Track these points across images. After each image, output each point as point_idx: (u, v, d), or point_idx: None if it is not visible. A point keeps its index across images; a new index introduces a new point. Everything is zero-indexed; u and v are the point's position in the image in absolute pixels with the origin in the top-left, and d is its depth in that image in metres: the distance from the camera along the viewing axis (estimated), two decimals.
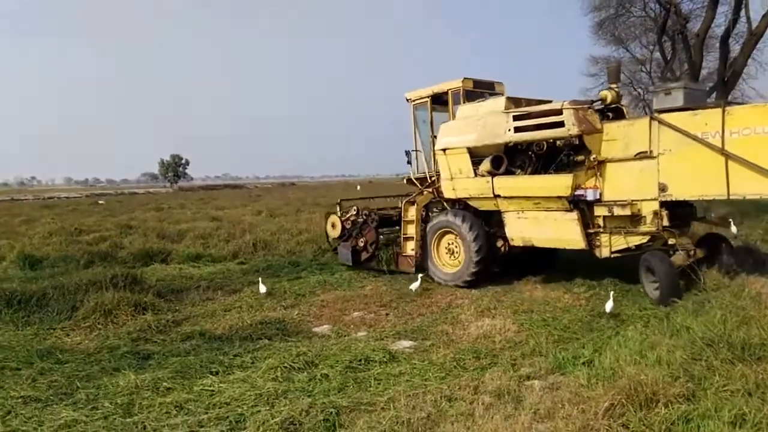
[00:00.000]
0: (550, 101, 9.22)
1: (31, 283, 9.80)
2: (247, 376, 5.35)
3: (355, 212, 11.78)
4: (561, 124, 8.34)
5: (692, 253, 8.02)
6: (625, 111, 9.08)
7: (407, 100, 11.47)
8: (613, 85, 8.90)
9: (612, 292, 7.20)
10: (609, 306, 7.01)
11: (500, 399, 4.54)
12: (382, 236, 11.44)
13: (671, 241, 8.06)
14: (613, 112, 8.84)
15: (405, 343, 6.41)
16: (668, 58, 25.77)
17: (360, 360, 5.64)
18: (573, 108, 8.30)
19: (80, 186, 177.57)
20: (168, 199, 47.84)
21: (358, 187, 49.56)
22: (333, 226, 11.97)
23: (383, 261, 11.16)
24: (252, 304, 8.69)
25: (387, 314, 7.90)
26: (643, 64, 30.83)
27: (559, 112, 8.40)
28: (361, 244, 11.31)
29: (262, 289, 9.23)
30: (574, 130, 8.23)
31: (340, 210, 12.08)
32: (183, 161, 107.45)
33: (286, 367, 5.46)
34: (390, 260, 11.10)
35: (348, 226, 11.67)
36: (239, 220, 19.60)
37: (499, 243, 9.74)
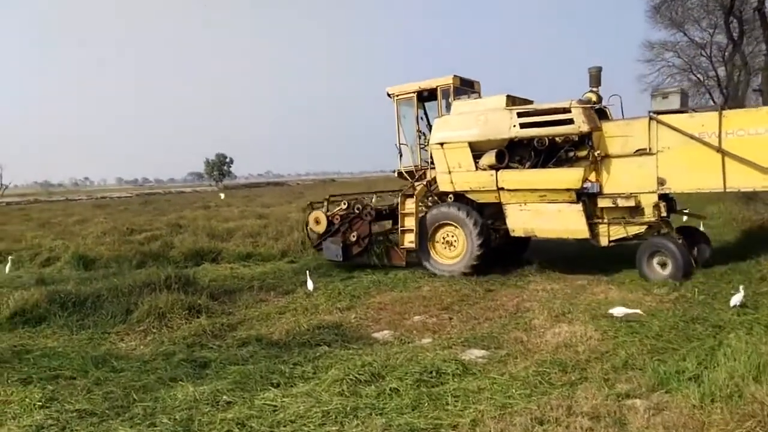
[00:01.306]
0: (532, 101, 10.36)
1: (86, 285, 9.70)
2: (311, 390, 4.96)
3: (345, 207, 11.60)
4: (570, 122, 9.06)
5: (680, 241, 8.93)
6: (608, 112, 9.77)
7: (389, 95, 11.83)
8: (595, 89, 9.70)
9: (742, 286, 6.83)
10: (737, 299, 6.62)
11: (599, 422, 4.01)
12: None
13: (664, 230, 9.04)
14: (597, 112, 9.40)
15: (477, 353, 5.92)
16: (736, 39, 24.39)
17: (431, 372, 5.17)
18: (581, 107, 9.04)
19: (130, 185, 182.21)
20: (214, 197, 48.32)
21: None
22: (317, 221, 11.68)
23: (375, 255, 11.30)
24: (306, 306, 8.34)
25: (450, 318, 7.41)
26: (702, 48, 29.41)
27: (567, 110, 9.10)
28: (353, 239, 11.26)
29: (310, 285, 9.00)
30: (585, 128, 8.94)
31: (327, 205, 11.94)
32: (227, 160, 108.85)
33: (351, 380, 5.04)
34: (382, 255, 11.31)
35: (336, 221, 11.46)
36: (285, 218, 19.35)
37: (493, 235, 10.52)
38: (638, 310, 6.56)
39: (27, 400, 4.88)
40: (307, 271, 9.42)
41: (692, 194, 10.00)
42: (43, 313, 7.91)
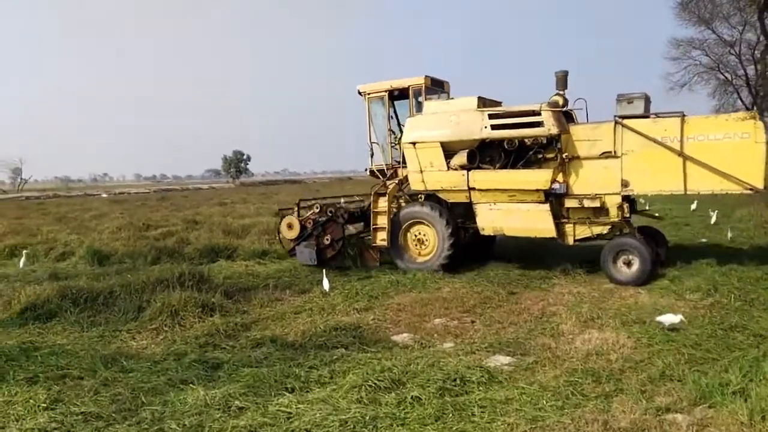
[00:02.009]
0: (501, 103, 10.62)
1: (99, 280, 9.54)
2: (328, 396, 4.70)
3: (317, 210, 11.49)
4: (540, 124, 9.28)
5: (643, 240, 9.21)
6: (574, 116, 9.98)
7: (360, 93, 11.87)
8: (562, 92, 9.76)
9: None
10: None
11: None
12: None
13: (627, 230, 9.39)
14: (563, 115, 9.55)
15: (502, 359, 5.62)
16: None
17: (454, 379, 4.88)
18: (551, 110, 9.26)
19: (148, 182, 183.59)
20: (230, 194, 48.35)
21: None
22: (290, 226, 11.54)
23: (349, 258, 11.42)
24: (323, 306, 8.07)
25: (473, 322, 7.10)
26: (731, 46, 28.70)
27: (537, 113, 9.33)
28: (326, 242, 11.21)
29: (326, 285, 8.78)
30: (554, 130, 9.19)
31: (297, 210, 11.80)
32: (245, 157, 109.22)
33: (370, 386, 4.77)
34: (356, 256, 11.49)
35: (309, 225, 11.37)
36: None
37: (463, 233, 10.76)
38: (681, 317, 6.19)
39: (32, 401, 4.67)
40: (324, 270, 9.16)
41: (720, 196, 10.01)
42: (55, 308, 7.73)
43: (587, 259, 10.07)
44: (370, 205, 11.38)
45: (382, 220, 11.00)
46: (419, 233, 10.78)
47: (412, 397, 4.58)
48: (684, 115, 8.73)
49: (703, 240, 13.01)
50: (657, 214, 12.10)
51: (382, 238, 10.98)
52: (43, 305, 7.78)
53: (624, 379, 4.91)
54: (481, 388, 4.79)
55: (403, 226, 10.85)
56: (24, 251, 12.89)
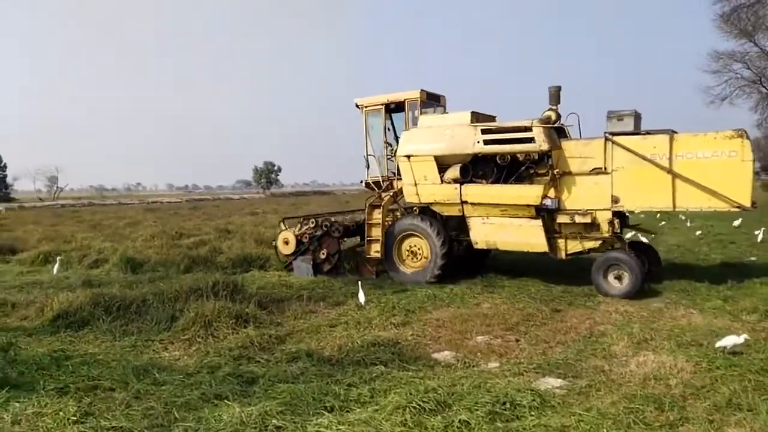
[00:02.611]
0: (495, 117, 10.72)
1: (132, 288, 9.45)
2: (370, 417, 4.42)
3: (313, 225, 11.75)
4: (531, 140, 9.41)
5: (633, 255, 9.20)
6: (566, 131, 9.95)
7: (357, 106, 11.97)
8: (554, 107, 9.80)
9: None
10: None
11: None
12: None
13: (617, 245, 9.48)
14: (556, 131, 9.65)
15: (553, 382, 5.28)
16: None
17: (504, 403, 4.57)
18: (542, 126, 9.38)
19: (181, 191, 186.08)
20: (261, 204, 48.57)
21: None
22: (286, 242, 11.85)
23: (346, 271, 11.56)
24: (359, 319, 7.80)
25: (517, 340, 6.75)
26: None
27: (529, 129, 9.44)
28: (323, 256, 11.48)
29: (362, 298, 8.53)
30: (545, 146, 9.30)
31: (284, 225, 12.22)
32: (275, 168, 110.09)
33: (415, 408, 4.48)
34: (353, 269, 11.63)
35: (305, 240, 11.66)
36: None
37: (456, 246, 10.88)
38: (746, 336, 5.78)
39: (61, 413, 4.49)
40: (359, 282, 8.91)
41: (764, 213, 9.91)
42: (87, 316, 7.64)
43: None
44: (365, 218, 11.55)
45: (377, 232, 11.19)
46: (413, 245, 10.90)
47: (459, 421, 4.29)
48: (673, 133, 8.85)
49: (752, 258, 12.46)
50: (650, 231, 12.38)
51: (376, 250, 11.17)
52: (75, 313, 7.69)
53: (688, 406, 4.54)
54: (533, 413, 4.47)
55: (397, 238, 10.98)
56: (58, 258, 12.92)
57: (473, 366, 5.87)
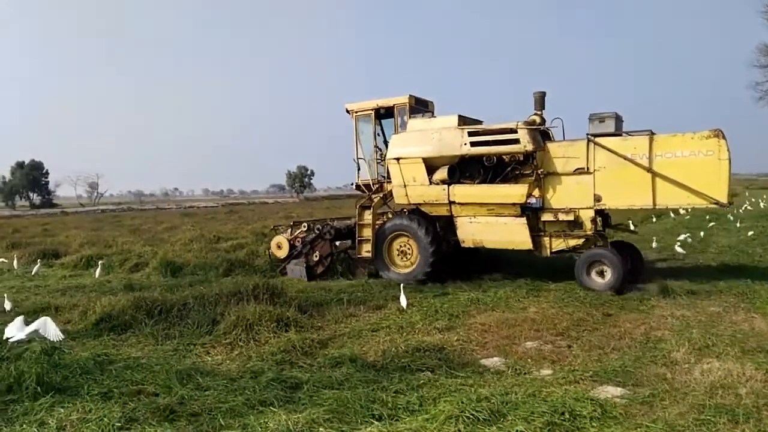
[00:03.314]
0: (482, 121, 11.05)
1: (172, 292, 9.44)
2: (421, 427, 4.22)
3: (305, 229, 12.05)
4: (516, 141, 9.81)
5: (614, 252, 9.51)
6: (550, 134, 10.37)
7: (348, 111, 12.29)
8: (539, 111, 10.22)
9: None
10: None
11: None
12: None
13: (600, 243, 9.83)
14: (540, 134, 9.99)
15: (612, 390, 4.99)
16: None
17: (562, 413, 4.31)
18: (527, 128, 9.78)
19: (216, 196, 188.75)
20: (296, 208, 48.78)
21: None
22: (279, 246, 12.13)
23: (339, 273, 11.76)
24: (401, 324, 7.61)
25: (569, 346, 6.46)
26: None
27: (514, 131, 9.85)
28: (316, 259, 11.74)
29: (403, 301, 8.33)
30: (529, 147, 9.70)
31: (276, 229, 12.55)
32: (308, 172, 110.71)
33: (468, 418, 4.26)
34: (345, 272, 11.83)
35: (297, 244, 11.91)
36: None
37: (444, 245, 11.09)
38: None
39: (105, 419, 4.38)
40: (401, 286, 8.71)
41: None
42: (129, 320, 7.62)
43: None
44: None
45: (367, 233, 11.43)
46: (403, 245, 11.20)
47: None
48: (652, 133, 9.15)
49: None
50: (633, 228, 12.58)
51: (366, 250, 11.41)
52: (118, 316, 7.68)
53: (764, 418, 4.22)
54: (594, 424, 4.20)
55: (388, 239, 11.28)
56: (99, 262, 13.04)
57: (525, 373, 5.61)
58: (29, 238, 21.14)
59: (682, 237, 15.23)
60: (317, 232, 11.86)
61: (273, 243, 12.32)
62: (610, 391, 4.96)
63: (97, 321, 7.63)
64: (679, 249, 13.35)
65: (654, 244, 14.30)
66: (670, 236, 17.16)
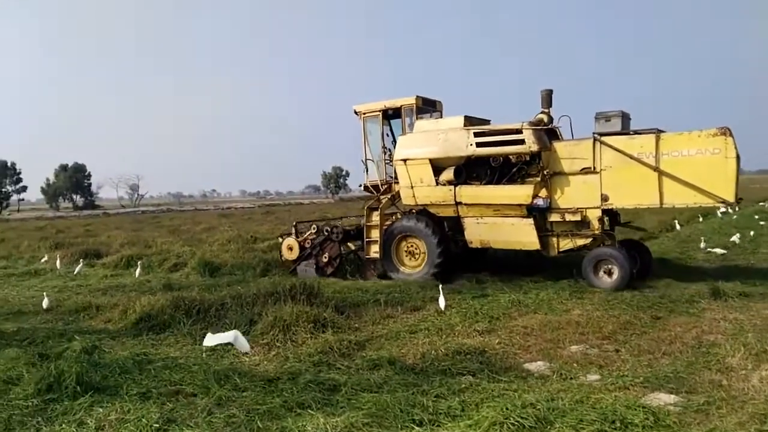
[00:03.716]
0: (489, 121, 11.10)
1: (210, 292, 9.47)
2: None
3: (314, 231, 12.20)
4: (522, 142, 9.80)
5: (623, 251, 9.59)
6: (558, 132, 10.29)
7: (356, 112, 12.31)
8: (546, 110, 10.17)
9: None
10: None
11: None
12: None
13: (608, 242, 9.80)
14: (548, 133, 9.99)
15: (665, 398, 4.75)
16: None
17: (613, 421, 4.09)
18: (532, 128, 9.76)
19: (253, 197, 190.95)
20: (331, 208, 48.93)
21: None
22: (290, 248, 12.32)
23: (348, 273, 11.86)
24: (440, 326, 7.44)
25: (617, 351, 6.20)
26: None
27: (519, 131, 9.85)
28: (325, 260, 11.93)
29: (442, 303, 8.18)
30: (535, 147, 9.69)
31: (296, 232, 12.56)
32: (344, 173, 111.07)
33: (513, 425, 4.08)
34: (354, 272, 11.97)
35: (307, 246, 12.09)
36: None
37: (453, 246, 11.16)
38: None
39: (144, 420, 4.35)
40: (440, 287, 8.55)
41: None
42: (168, 319, 7.66)
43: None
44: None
45: (375, 233, 11.58)
46: (411, 246, 11.26)
47: None
48: (659, 132, 9.13)
49: None
50: (640, 226, 12.47)
51: (375, 251, 11.57)
52: (157, 316, 7.73)
53: None
54: None
55: (396, 239, 11.33)
56: (139, 261, 13.21)
57: (571, 378, 5.40)
58: (72, 239, 21.65)
59: (734, 238, 14.72)
60: (326, 233, 12.01)
61: (284, 246, 12.50)
62: (662, 399, 4.72)
63: (137, 320, 7.70)
64: (718, 250, 12.90)
65: (702, 245, 13.80)
66: (718, 236, 16.62)
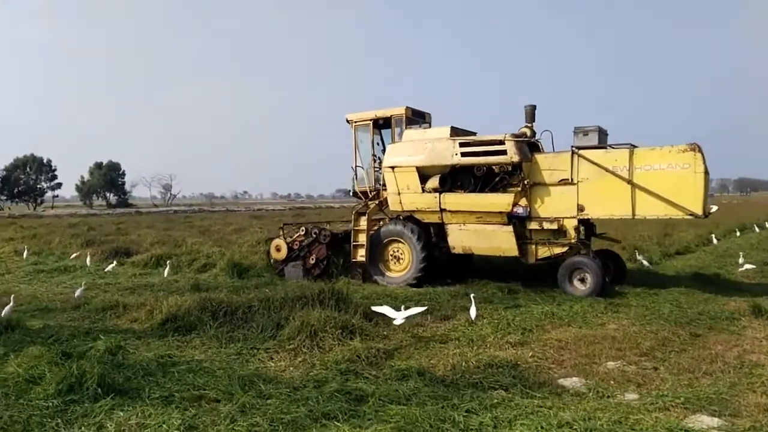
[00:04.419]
0: (475, 133, 11.50)
1: (238, 294, 9.41)
2: None
3: (303, 233, 12.40)
4: (504, 153, 10.24)
5: (597, 260, 9.96)
6: (540, 145, 10.86)
7: (348, 121, 12.68)
8: (530, 124, 10.82)
9: None
10: None
11: None
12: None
13: (584, 252, 10.10)
14: (529, 146, 10.50)
15: (708, 420, 4.49)
16: None
17: None
18: (514, 140, 10.22)
19: (284, 200, 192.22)
20: None
21: None
22: (278, 249, 12.49)
23: (335, 275, 11.93)
24: (471, 337, 7.23)
25: (655, 369, 5.92)
26: None
27: (501, 142, 10.29)
28: (312, 262, 12.12)
29: (473, 313, 7.93)
30: (516, 158, 10.13)
31: (283, 233, 12.77)
32: None
33: None
34: (341, 274, 12.09)
35: (296, 247, 12.26)
36: None
37: (436, 251, 11.55)
38: None
39: (164, 426, 4.26)
40: (472, 296, 8.34)
41: None
42: (194, 321, 7.58)
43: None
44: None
45: (362, 238, 11.88)
46: (396, 251, 11.61)
47: None
48: (633, 147, 9.55)
49: None
50: (615, 237, 12.62)
51: (361, 255, 11.84)
52: (183, 317, 7.66)
53: None
54: None
55: (382, 244, 11.68)
56: (168, 261, 13.24)
57: (608, 396, 5.15)
58: (103, 237, 21.85)
59: None
60: (314, 236, 12.28)
61: (272, 246, 12.69)
62: (705, 422, 4.46)
63: (163, 321, 7.65)
64: (749, 266, 12.44)
65: (740, 260, 13.31)
66: (756, 251, 16.07)
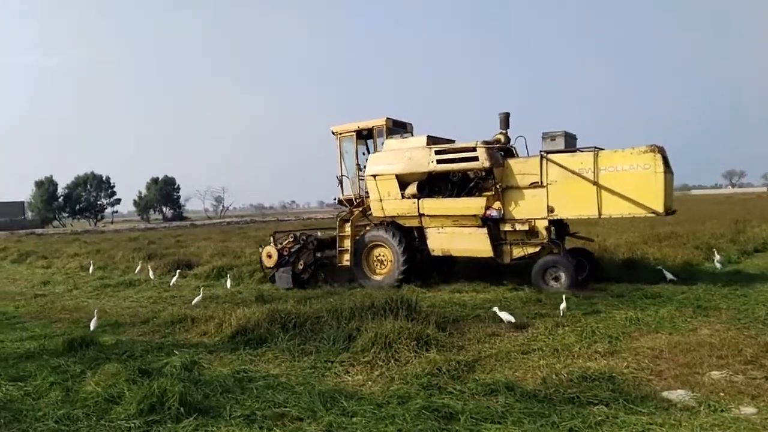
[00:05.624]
0: (453, 141, 11.97)
1: (304, 304, 9.21)
2: None
3: (292, 239, 12.95)
4: (476, 159, 10.75)
5: (569, 258, 10.49)
6: (514, 151, 11.51)
7: (333, 133, 13.17)
8: (504, 131, 11.36)
9: None
10: None
11: None
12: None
13: (556, 251, 10.61)
14: (504, 151, 11.20)
15: None
16: None
17: None
18: (485, 147, 10.76)
19: (331, 208, 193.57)
20: None
21: None
22: (269, 256, 12.84)
23: (322, 279, 12.62)
24: (555, 346, 6.78)
25: (767, 378, 5.41)
26: None
27: (473, 149, 10.81)
28: (300, 267, 12.57)
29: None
30: (487, 164, 10.66)
31: (273, 241, 13.08)
32: None
33: None
34: (328, 278, 12.66)
35: (286, 253, 12.67)
36: None
37: (417, 254, 12.02)
38: None
39: None
40: (563, 301, 7.88)
41: None
42: (264, 333, 7.45)
43: None
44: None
45: (347, 243, 12.44)
46: (380, 255, 12.10)
47: None
48: (597, 150, 9.96)
49: None
50: (587, 237, 12.90)
51: (346, 259, 12.41)
52: (253, 329, 7.54)
53: None
54: None
55: (366, 248, 12.16)
56: (229, 273, 13.24)
57: (721, 411, 4.67)
58: (164, 249, 22.18)
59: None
60: (302, 242, 12.81)
61: (264, 253, 13.00)
62: None
63: (233, 334, 7.53)
64: None
65: None
66: None
